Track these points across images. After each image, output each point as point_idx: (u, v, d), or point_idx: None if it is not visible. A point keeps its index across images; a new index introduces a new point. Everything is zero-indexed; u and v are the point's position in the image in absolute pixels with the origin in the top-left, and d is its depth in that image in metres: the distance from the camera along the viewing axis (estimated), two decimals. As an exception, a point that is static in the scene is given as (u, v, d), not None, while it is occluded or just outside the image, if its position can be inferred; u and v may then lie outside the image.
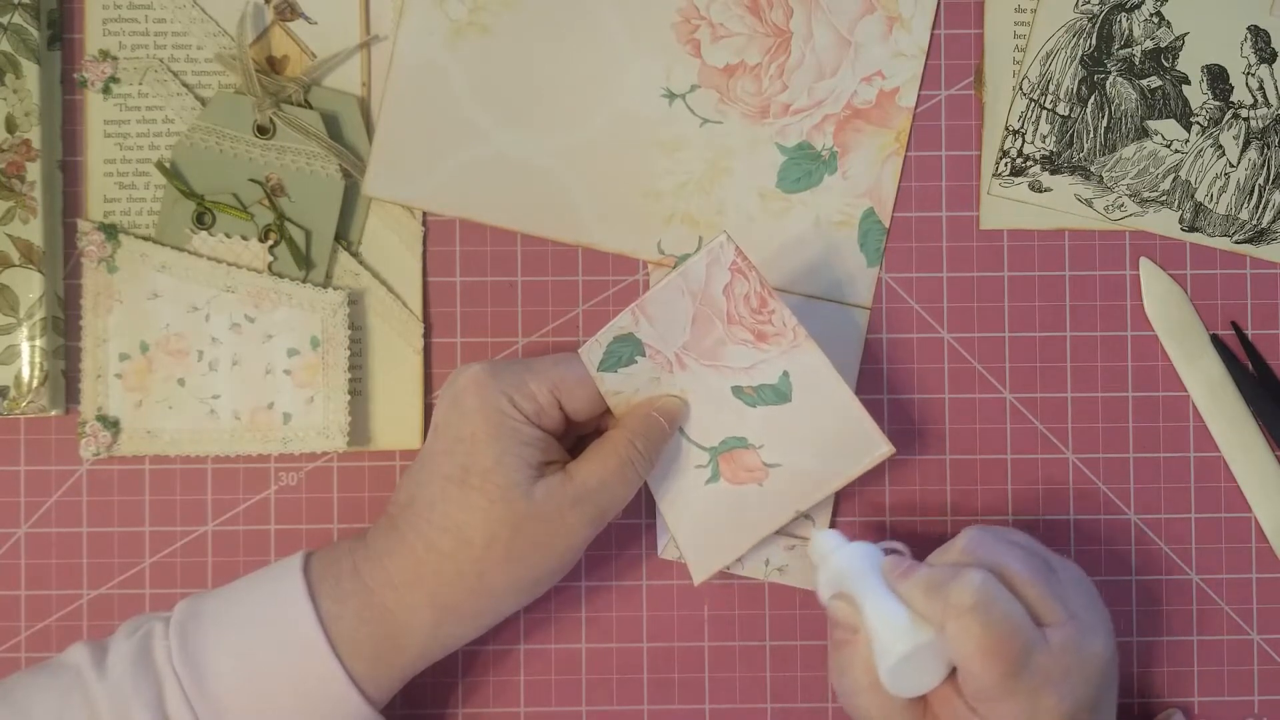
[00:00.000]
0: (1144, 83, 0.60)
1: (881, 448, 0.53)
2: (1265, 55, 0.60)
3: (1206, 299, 0.60)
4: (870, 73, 0.60)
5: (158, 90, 0.59)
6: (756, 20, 0.60)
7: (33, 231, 0.58)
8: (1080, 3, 0.60)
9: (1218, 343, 0.60)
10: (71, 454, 0.60)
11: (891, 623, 0.50)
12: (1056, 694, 0.48)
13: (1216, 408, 0.59)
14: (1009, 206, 0.60)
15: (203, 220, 0.59)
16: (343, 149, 0.59)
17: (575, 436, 0.58)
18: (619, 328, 0.55)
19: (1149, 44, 0.60)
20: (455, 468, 0.52)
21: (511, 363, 0.54)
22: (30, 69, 0.58)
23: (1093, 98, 0.60)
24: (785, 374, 0.55)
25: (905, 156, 0.60)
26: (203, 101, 0.59)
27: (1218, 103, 0.60)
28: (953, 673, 0.50)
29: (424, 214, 0.60)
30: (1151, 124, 0.60)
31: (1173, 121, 0.60)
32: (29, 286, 0.58)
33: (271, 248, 0.59)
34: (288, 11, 0.60)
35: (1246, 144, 0.60)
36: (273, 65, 0.60)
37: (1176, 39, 0.60)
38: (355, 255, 0.60)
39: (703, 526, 0.57)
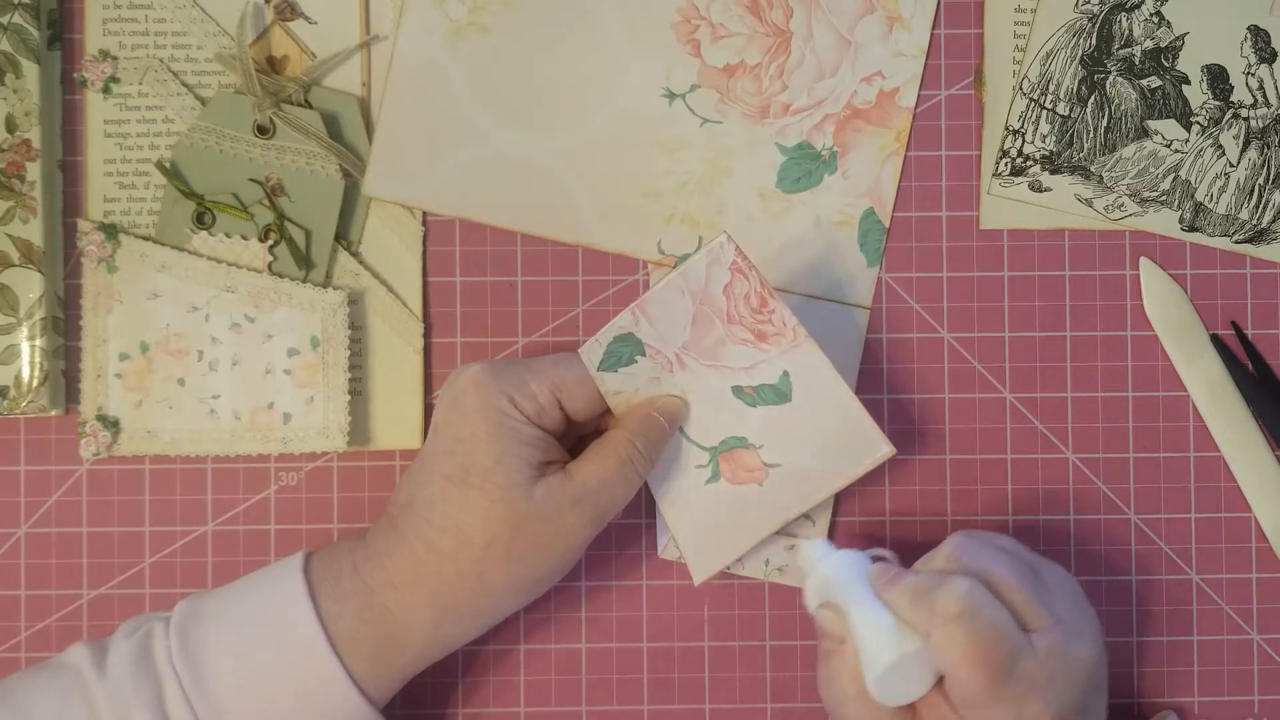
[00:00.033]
0: (1144, 83, 0.60)
1: (882, 448, 0.53)
2: (1265, 55, 0.60)
3: (1206, 299, 0.60)
4: (870, 73, 0.60)
5: (158, 90, 0.59)
6: (756, 20, 0.60)
7: (33, 231, 0.58)
8: (1080, 2, 0.60)
9: (1218, 343, 0.60)
10: (71, 454, 0.60)
11: (878, 631, 0.50)
12: (1043, 699, 0.48)
13: (1216, 408, 0.59)
14: (1009, 206, 0.60)
15: (203, 220, 0.59)
16: (343, 149, 0.59)
17: (575, 436, 0.58)
18: (619, 327, 0.55)
19: (1149, 44, 0.60)
20: (455, 468, 0.52)
21: (511, 363, 0.54)
22: (30, 69, 0.58)
23: (1093, 98, 0.60)
24: (785, 374, 0.55)
25: (905, 156, 0.60)
26: (203, 101, 0.59)
27: (1218, 103, 0.60)
28: (941, 680, 0.50)
29: (424, 214, 0.60)
30: (1151, 124, 0.60)
31: (1173, 121, 0.60)
32: (29, 286, 0.58)
33: (271, 248, 0.59)
34: (288, 11, 0.60)
35: (1246, 144, 0.60)
36: (273, 65, 0.60)
37: (1176, 39, 0.60)
38: (355, 255, 0.60)
39: (703, 526, 0.57)
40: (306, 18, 0.60)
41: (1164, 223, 0.60)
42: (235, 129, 0.59)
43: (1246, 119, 0.60)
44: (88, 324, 0.59)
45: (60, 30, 0.60)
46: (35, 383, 0.58)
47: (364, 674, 0.52)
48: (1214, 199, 0.60)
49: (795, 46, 0.60)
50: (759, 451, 0.56)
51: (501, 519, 0.51)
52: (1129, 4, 0.60)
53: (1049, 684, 0.49)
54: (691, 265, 0.54)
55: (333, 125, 0.59)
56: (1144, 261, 0.60)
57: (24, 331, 0.58)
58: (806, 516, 0.59)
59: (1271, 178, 0.60)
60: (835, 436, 0.54)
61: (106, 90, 0.59)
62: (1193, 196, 0.60)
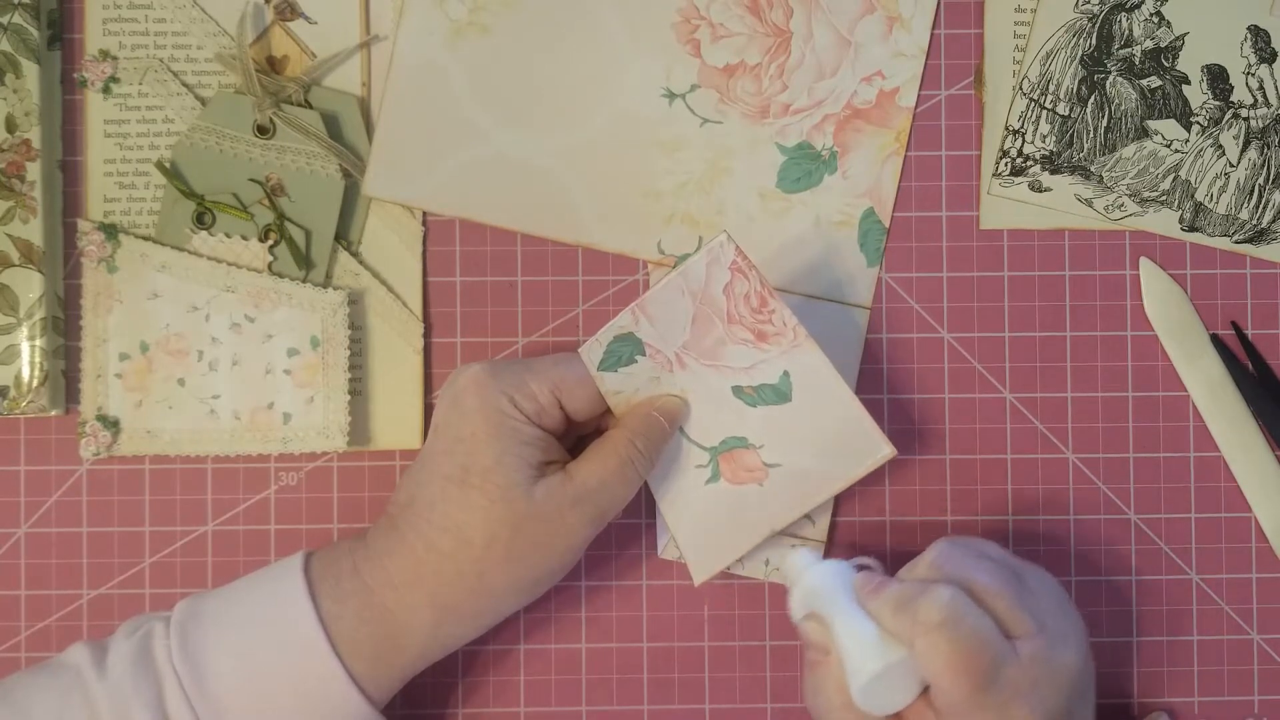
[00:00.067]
0: (1144, 83, 0.60)
1: (883, 449, 0.53)
2: (1265, 55, 0.60)
3: (1206, 299, 0.60)
4: (870, 73, 0.60)
5: (158, 90, 0.59)
6: (756, 20, 0.60)
7: (33, 231, 0.58)
8: (1080, 2, 0.60)
9: (1218, 343, 0.60)
10: (71, 454, 0.60)
11: (862, 641, 0.50)
12: (1027, 706, 0.48)
13: (1216, 408, 0.59)
14: (1009, 206, 0.60)
15: (203, 220, 0.59)
16: (343, 149, 0.59)
17: (575, 436, 0.58)
18: (619, 327, 0.55)
19: (1149, 44, 0.60)
20: (455, 467, 0.52)
21: (511, 363, 0.54)
22: (30, 69, 0.58)
23: (1093, 98, 0.60)
24: (785, 374, 0.55)
25: (905, 156, 0.60)
26: (203, 101, 0.59)
27: (1218, 103, 0.60)
28: (926, 689, 0.50)
29: (424, 214, 0.60)
30: (1151, 124, 0.60)
31: (1173, 121, 0.60)
32: (29, 286, 0.58)
33: (271, 248, 0.59)
34: (288, 11, 0.60)
35: (1246, 144, 0.60)
36: (273, 65, 0.60)
37: (1176, 39, 0.60)
38: (355, 255, 0.60)
39: (703, 526, 0.57)
40: (306, 18, 0.60)
41: (1164, 223, 0.60)
42: (235, 129, 0.59)
43: (1246, 119, 0.60)
44: (88, 324, 0.59)
45: (60, 30, 0.60)
46: (35, 383, 0.58)
47: (364, 674, 0.52)
48: (1214, 199, 0.60)
49: (795, 46, 0.60)
50: (759, 451, 0.56)
51: (501, 519, 0.51)
52: (1129, 4, 0.60)
53: (1033, 690, 0.49)
54: (691, 265, 0.54)
55: (333, 125, 0.59)
56: (1144, 261, 0.60)
57: (24, 331, 0.58)
58: (807, 517, 0.59)
59: (1271, 178, 0.60)
60: (836, 437, 0.54)
61: (106, 90, 0.59)
62: (1193, 196, 0.60)
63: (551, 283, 0.60)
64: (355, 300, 0.60)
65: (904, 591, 0.50)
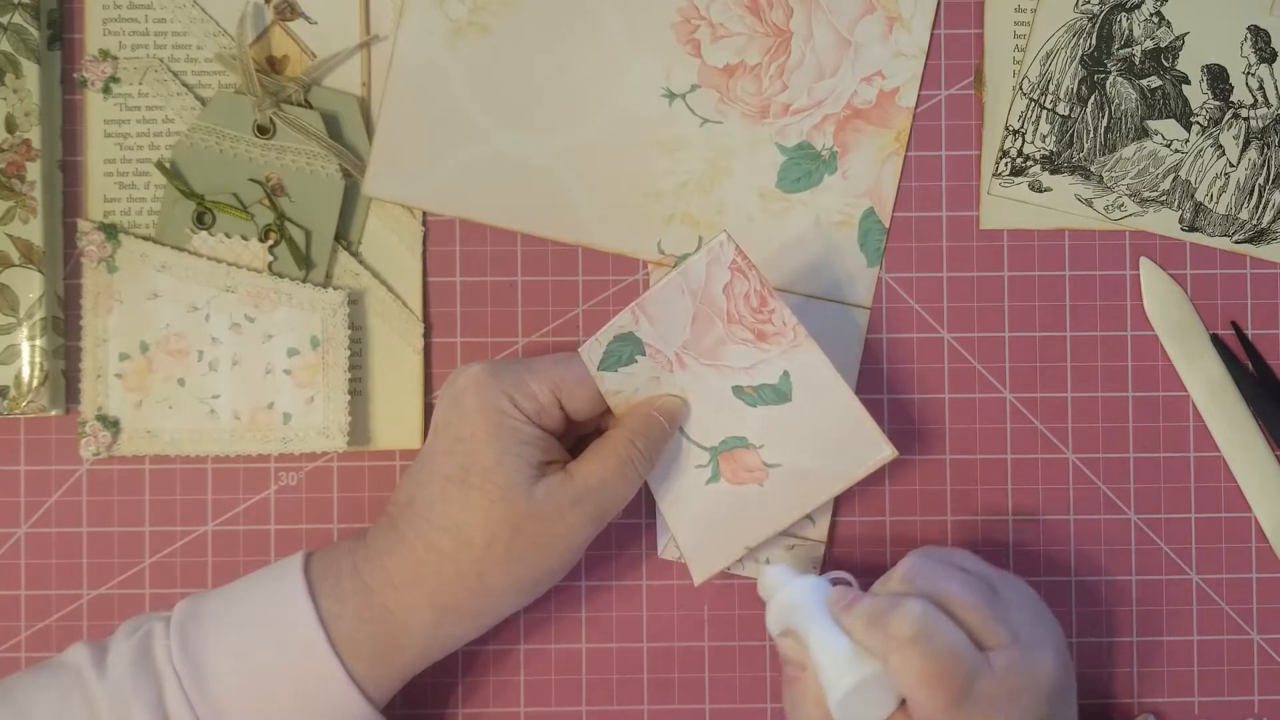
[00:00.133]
0: (1144, 83, 0.60)
1: (884, 450, 0.53)
2: (1265, 55, 0.60)
3: (1206, 299, 0.60)
4: (870, 73, 0.60)
5: (158, 90, 0.59)
6: (756, 20, 0.60)
7: (33, 231, 0.58)
8: (1080, 2, 0.60)
9: (1218, 343, 0.60)
10: (71, 454, 0.60)
11: (837, 656, 0.50)
12: (1005, 717, 0.48)
13: (1216, 408, 0.59)
14: (1009, 206, 0.60)
15: (203, 220, 0.59)
16: (343, 149, 0.59)
17: (575, 436, 0.58)
18: (619, 327, 0.55)
19: (1149, 44, 0.60)
20: (455, 467, 0.52)
21: (511, 362, 0.54)
22: (30, 69, 0.58)
23: (1093, 98, 0.60)
24: (785, 373, 0.55)
25: (905, 156, 0.60)
26: (203, 101, 0.59)
27: (1218, 103, 0.60)
28: (904, 702, 0.50)
29: (424, 214, 0.60)
30: (1151, 124, 0.60)
31: (1173, 121, 0.60)
32: (29, 286, 0.58)
33: (271, 248, 0.59)
34: (288, 11, 0.60)
35: (1246, 144, 0.60)
36: (273, 65, 0.60)
37: (1176, 39, 0.60)
38: (355, 255, 0.60)
39: (703, 526, 0.57)
40: (306, 18, 0.60)
41: (1164, 223, 0.60)
42: (235, 129, 0.59)
43: (1246, 119, 0.60)
44: (88, 324, 0.59)
45: (60, 30, 0.60)
46: (35, 383, 0.58)
47: (364, 674, 0.52)
48: (1214, 199, 0.60)
49: (795, 46, 0.60)
50: (759, 451, 0.56)
51: (501, 519, 0.51)
52: (1129, 4, 0.60)
53: (1010, 701, 0.49)
54: (691, 264, 0.54)
55: (333, 125, 0.59)
56: (1144, 261, 0.60)
57: (24, 331, 0.58)
58: (808, 517, 0.59)
59: (1271, 178, 0.60)
60: (836, 437, 0.54)
61: (106, 90, 0.59)
62: (1193, 196, 0.60)
63: (551, 283, 0.60)
64: (355, 300, 0.60)
65: (876, 606, 0.50)
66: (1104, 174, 0.60)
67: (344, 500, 0.60)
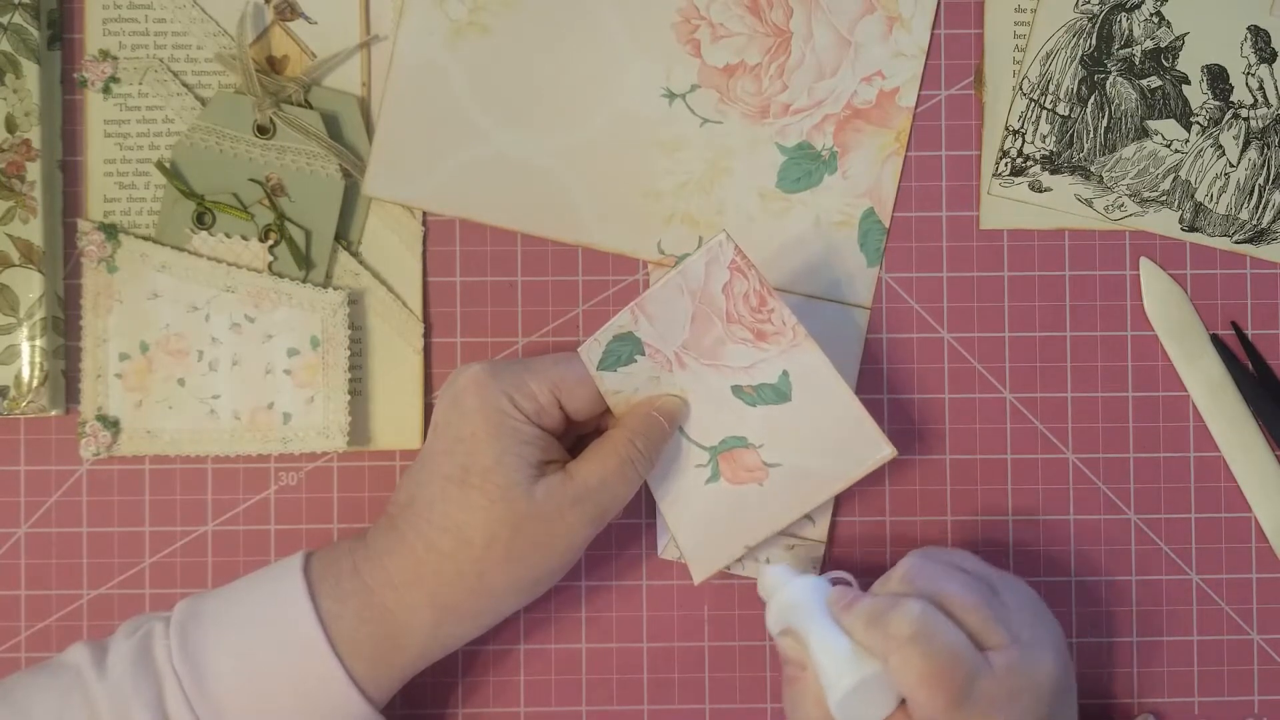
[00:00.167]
0: (1144, 83, 0.60)
1: (883, 449, 0.53)
2: (1265, 55, 0.60)
3: (1206, 299, 0.60)
4: (870, 73, 0.60)
5: (158, 90, 0.59)
6: (756, 20, 0.60)
7: (33, 231, 0.58)
8: (1080, 3, 0.60)
9: (1218, 343, 0.60)
10: (71, 454, 0.60)
11: (836, 656, 0.50)
12: (1005, 717, 0.48)
13: (1216, 408, 0.59)
14: (1009, 206, 0.60)
15: (203, 220, 0.59)
16: (343, 149, 0.59)
17: (575, 436, 0.58)
18: (618, 326, 0.55)
19: (1149, 44, 0.60)
20: (455, 467, 0.52)
21: (511, 362, 0.54)
22: (30, 69, 0.58)
23: (1093, 98, 0.60)
24: (785, 373, 0.55)
25: (905, 156, 0.60)
26: (203, 101, 0.59)
27: (1218, 103, 0.60)
28: (904, 702, 0.50)
29: (424, 214, 0.60)
30: (1151, 124, 0.60)
31: (1173, 121, 0.60)
32: (29, 286, 0.58)
33: (271, 248, 0.59)
34: (288, 11, 0.60)
35: (1246, 144, 0.60)
36: (273, 65, 0.60)
37: (1176, 39, 0.60)
38: (355, 255, 0.60)
39: (703, 526, 0.57)
40: (306, 18, 0.60)
41: (1164, 223, 0.60)
42: (235, 129, 0.59)
43: (1246, 119, 0.60)
44: (88, 324, 0.59)
45: (60, 30, 0.60)
46: (35, 383, 0.58)
47: (364, 674, 0.52)
48: (1214, 199, 0.60)
49: (795, 46, 0.60)
50: (759, 451, 0.56)
51: (501, 519, 0.51)
52: (1129, 4, 0.60)
53: (1010, 701, 0.49)
54: (690, 264, 0.54)
55: (333, 125, 0.59)
56: (1144, 261, 0.60)
57: (24, 331, 0.58)
58: (807, 517, 0.59)
59: (1271, 178, 0.60)
60: (836, 437, 0.54)
61: (106, 90, 0.59)
62: (1193, 196, 0.60)
63: (551, 283, 0.60)
64: (355, 300, 0.60)
65: (876, 606, 0.50)
66: (1104, 174, 0.60)
67: (344, 500, 0.60)
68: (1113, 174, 0.60)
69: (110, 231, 0.58)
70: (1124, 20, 0.60)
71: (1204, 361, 0.60)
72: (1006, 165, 0.60)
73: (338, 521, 0.60)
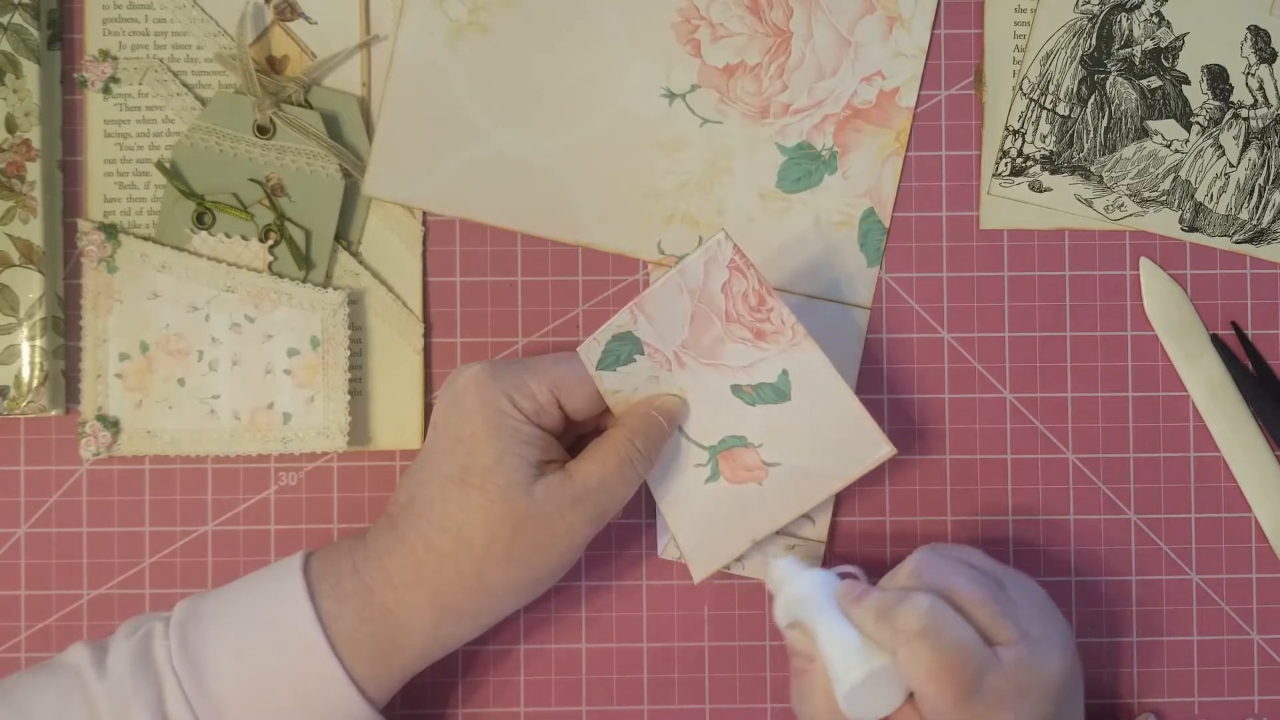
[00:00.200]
0: (1144, 83, 0.60)
1: (883, 448, 0.53)
2: (1265, 55, 0.60)
3: (1206, 299, 0.60)
4: (870, 73, 0.60)
5: (158, 90, 0.60)
6: (756, 20, 0.60)
7: (33, 231, 0.58)
8: (1080, 3, 0.60)
9: (1218, 343, 0.60)
10: (71, 454, 0.60)
11: (845, 649, 0.50)
12: (1013, 712, 0.48)
13: (1216, 408, 0.59)
14: (1009, 206, 0.60)
15: (203, 220, 0.59)
16: (343, 149, 0.59)
17: (575, 436, 0.58)
18: (617, 326, 0.55)
19: (1149, 44, 0.60)
20: (455, 467, 0.52)
21: (511, 362, 0.54)
22: (30, 69, 0.58)
23: (1093, 98, 0.60)
24: (784, 372, 0.55)
25: (905, 156, 0.60)
26: (203, 101, 0.59)
27: (1218, 103, 0.60)
28: (912, 695, 0.50)
29: (424, 214, 0.60)
30: (1151, 124, 0.60)
31: (1173, 121, 0.60)
32: (29, 286, 0.58)
33: (271, 248, 0.59)
34: (288, 11, 0.60)
35: (1246, 144, 0.60)
36: (273, 65, 0.60)
37: (1176, 39, 0.60)
38: (355, 255, 0.60)
39: (702, 525, 0.57)
40: (306, 18, 0.60)
41: (1164, 223, 0.60)
42: (235, 129, 0.59)
43: (1246, 119, 0.60)
44: (88, 324, 0.59)
45: (60, 30, 0.60)
46: (35, 383, 0.58)
47: (364, 674, 0.52)
48: (1214, 199, 0.60)
49: (795, 46, 0.60)
50: (758, 450, 0.56)
51: (501, 518, 0.51)
52: (1129, 4, 0.60)
53: (1019, 697, 0.49)
54: (689, 263, 0.54)
55: (333, 125, 0.59)
56: (1144, 261, 0.60)
57: (24, 331, 0.58)
58: (807, 517, 0.59)
59: (1271, 178, 0.60)
60: (835, 436, 0.54)
61: (106, 90, 0.59)
62: (1193, 196, 0.60)
63: (551, 283, 0.60)
64: (355, 300, 0.60)
65: (884, 600, 0.50)
66: (1104, 174, 0.60)
67: (344, 500, 0.60)
68: (1113, 174, 0.60)
69: (110, 231, 0.59)
70: (1124, 20, 0.60)
71: (1204, 361, 0.60)
72: (1006, 165, 0.60)
73: (338, 521, 0.60)
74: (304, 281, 0.59)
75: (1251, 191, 0.60)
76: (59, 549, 0.60)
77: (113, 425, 0.59)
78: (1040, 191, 0.60)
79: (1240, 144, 0.60)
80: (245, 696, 0.50)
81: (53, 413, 0.58)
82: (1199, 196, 0.60)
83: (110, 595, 0.60)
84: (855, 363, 0.60)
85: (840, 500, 0.60)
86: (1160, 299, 0.60)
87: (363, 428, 0.59)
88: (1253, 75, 0.60)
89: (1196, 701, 0.59)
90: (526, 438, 0.53)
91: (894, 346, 0.60)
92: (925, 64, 0.60)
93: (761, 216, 0.60)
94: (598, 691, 0.60)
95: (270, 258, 0.59)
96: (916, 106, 0.60)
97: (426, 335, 0.60)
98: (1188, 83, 0.60)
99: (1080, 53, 0.60)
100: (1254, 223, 0.60)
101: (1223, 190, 0.60)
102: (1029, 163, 0.60)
